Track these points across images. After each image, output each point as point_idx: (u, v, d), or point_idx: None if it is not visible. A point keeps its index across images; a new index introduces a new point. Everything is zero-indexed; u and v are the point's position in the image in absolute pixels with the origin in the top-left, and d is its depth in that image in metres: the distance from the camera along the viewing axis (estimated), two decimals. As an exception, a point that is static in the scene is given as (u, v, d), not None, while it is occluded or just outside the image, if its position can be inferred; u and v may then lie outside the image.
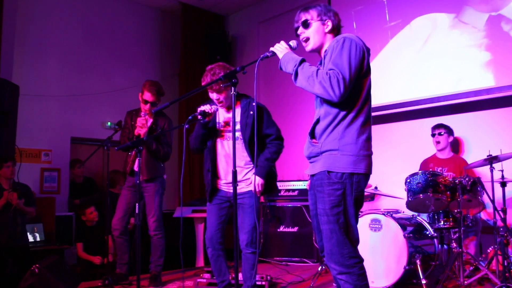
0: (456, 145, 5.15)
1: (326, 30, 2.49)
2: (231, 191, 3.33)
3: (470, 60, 5.09)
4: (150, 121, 4.34)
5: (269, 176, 3.36)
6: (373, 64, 2.49)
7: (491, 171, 3.85)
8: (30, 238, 5.44)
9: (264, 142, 3.39)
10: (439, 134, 4.86)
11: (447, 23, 5.33)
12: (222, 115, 3.44)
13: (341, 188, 2.29)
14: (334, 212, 2.28)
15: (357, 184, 2.31)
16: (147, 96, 4.30)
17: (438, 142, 4.87)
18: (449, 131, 4.88)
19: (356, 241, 2.35)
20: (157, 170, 4.37)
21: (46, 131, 6.49)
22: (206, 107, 3.27)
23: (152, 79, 4.53)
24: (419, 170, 4.93)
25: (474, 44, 5.07)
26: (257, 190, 3.26)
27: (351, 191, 2.30)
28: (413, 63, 5.53)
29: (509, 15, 4.85)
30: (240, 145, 3.33)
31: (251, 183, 3.30)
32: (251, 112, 3.27)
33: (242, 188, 3.34)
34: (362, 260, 2.33)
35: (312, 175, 2.46)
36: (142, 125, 4.20)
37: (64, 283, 3.64)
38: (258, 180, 3.27)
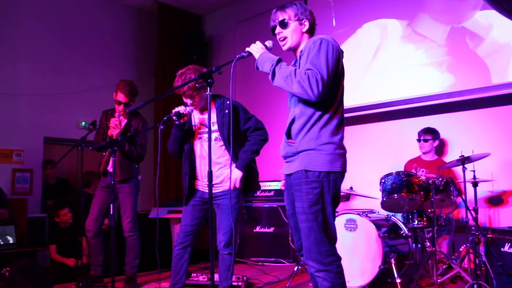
0: (440, 147, 5.20)
1: (304, 30, 2.51)
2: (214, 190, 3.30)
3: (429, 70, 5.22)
4: (124, 121, 4.29)
5: (249, 173, 3.33)
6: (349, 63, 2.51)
7: (464, 171, 3.93)
8: (1, 241, 5.30)
9: (246, 137, 3.37)
10: (424, 140, 4.88)
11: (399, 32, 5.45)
12: (197, 117, 3.41)
13: (319, 186, 2.32)
14: (313, 211, 2.31)
15: (334, 182, 2.35)
16: (120, 97, 4.24)
17: (422, 147, 4.91)
18: (435, 136, 4.91)
19: (334, 238, 2.38)
20: (131, 171, 4.31)
21: (18, 130, 6.34)
22: (180, 108, 3.24)
23: (127, 79, 4.46)
24: (404, 170, 4.97)
25: (434, 62, 5.19)
26: (235, 183, 3.23)
27: (329, 189, 2.34)
28: (383, 64, 5.62)
29: (474, 29, 4.94)
30: (219, 144, 3.30)
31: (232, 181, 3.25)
32: (226, 111, 3.25)
33: (222, 186, 3.31)
34: (339, 258, 2.36)
35: (289, 175, 2.47)
36: (115, 125, 4.14)
37: (36, 286, 3.57)
38: (237, 172, 3.25)
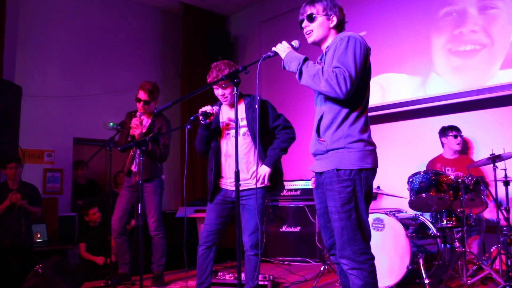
0: (464, 145, 5.10)
1: (331, 26, 2.49)
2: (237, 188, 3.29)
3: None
4: (146, 121, 4.35)
5: (274, 172, 3.32)
6: (376, 64, 2.49)
7: (494, 170, 3.84)
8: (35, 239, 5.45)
9: (274, 135, 3.38)
10: (461, 136, 4.79)
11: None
12: (226, 113, 3.41)
13: (351, 184, 2.31)
14: (346, 209, 2.30)
15: (365, 179, 2.34)
16: (140, 94, 4.33)
17: (458, 144, 4.80)
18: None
19: (368, 236, 2.38)
20: (154, 171, 4.36)
21: (49, 131, 6.50)
22: (207, 108, 3.26)
23: (150, 80, 4.53)
24: (429, 170, 4.89)
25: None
26: (261, 178, 3.22)
27: (361, 187, 2.33)
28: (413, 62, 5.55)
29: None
30: (248, 140, 3.30)
31: (258, 177, 3.23)
32: (256, 106, 3.25)
33: (247, 184, 3.28)
34: (373, 257, 2.36)
35: (320, 173, 2.47)
36: (136, 125, 4.21)
37: (67, 283, 3.64)
38: (264, 168, 3.25)
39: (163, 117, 4.45)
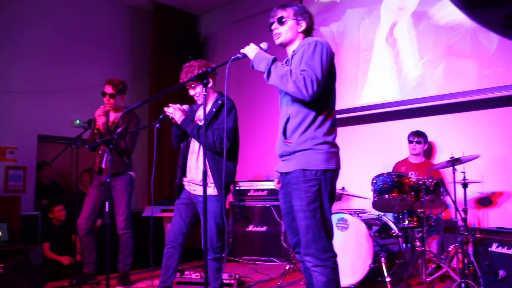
0: (428, 149, 5.26)
1: (299, 30, 2.58)
2: (192, 191, 3.34)
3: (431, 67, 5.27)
4: (114, 116, 4.36)
5: (217, 172, 3.26)
6: (342, 67, 2.57)
7: (453, 172, 3.99)
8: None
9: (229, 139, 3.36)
10: (417, 142, 4.91)
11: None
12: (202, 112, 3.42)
13: (317, 184, 2.39)
14: (311, 208, 2.38)
15: (330, 179, 2.43)
16: (106, 88, 4.34)
17: (414, 149, 4.96)
18: (425, 139, 4.95)
19: (331, 235, 2.46)
20: (122, 166, 4.32)
21: (12, 128, 6.33)
22: (169, 110, 3.28)
23: (119, 78, 4.52)
24: (392, 171, 5.02)
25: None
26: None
27: (326, 187, 2.42)
28: (379, 66, 5.68)
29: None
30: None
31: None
32: (214, 110, 3.30)
33: (200, 190, 3.24)
34: (336, 255, 2.44)
35: (285, 174, 2.53)
36: (98, 115, 4.20)
37: (30, 283, 3.58)
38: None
39: (132, 113, 4.42)
